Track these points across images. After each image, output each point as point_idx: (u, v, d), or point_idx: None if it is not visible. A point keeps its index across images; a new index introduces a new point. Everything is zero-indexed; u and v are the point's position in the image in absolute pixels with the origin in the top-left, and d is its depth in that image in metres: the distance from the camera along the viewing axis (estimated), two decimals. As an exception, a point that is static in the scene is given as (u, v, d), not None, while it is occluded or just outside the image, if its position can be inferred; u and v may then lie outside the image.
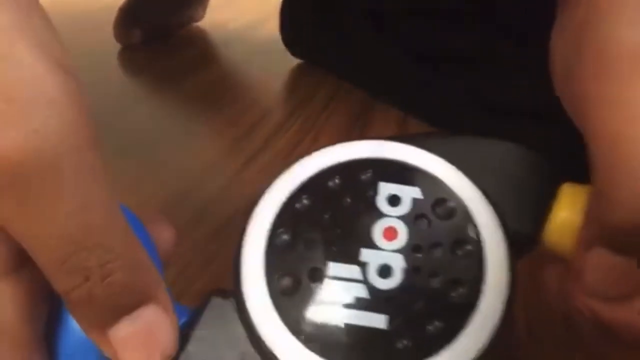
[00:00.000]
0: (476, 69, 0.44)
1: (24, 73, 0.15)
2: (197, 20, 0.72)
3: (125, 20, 0.64)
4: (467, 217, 0.18)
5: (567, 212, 0.18)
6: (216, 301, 0.18)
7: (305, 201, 0.18)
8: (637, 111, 0.16)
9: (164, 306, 0.17)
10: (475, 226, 0.18)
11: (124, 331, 0.16)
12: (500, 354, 0.17)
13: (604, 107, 0.16)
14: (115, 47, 0.64)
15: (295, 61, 0.60)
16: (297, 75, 0.59)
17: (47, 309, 0.17)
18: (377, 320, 0.17)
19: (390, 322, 0.17)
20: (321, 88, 0.54)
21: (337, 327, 0.17)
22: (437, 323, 0.17)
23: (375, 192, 0.18)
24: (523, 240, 0.18)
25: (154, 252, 0.20)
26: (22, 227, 0.15)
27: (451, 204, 0.18)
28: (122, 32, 0.63)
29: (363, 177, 0.18)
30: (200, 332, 0.18)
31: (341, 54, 0.54)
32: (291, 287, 0.17)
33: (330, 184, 0.18)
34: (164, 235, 0.20)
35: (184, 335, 0.17)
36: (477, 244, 0.17)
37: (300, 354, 0.16)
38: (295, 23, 0.59)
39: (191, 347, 0.17)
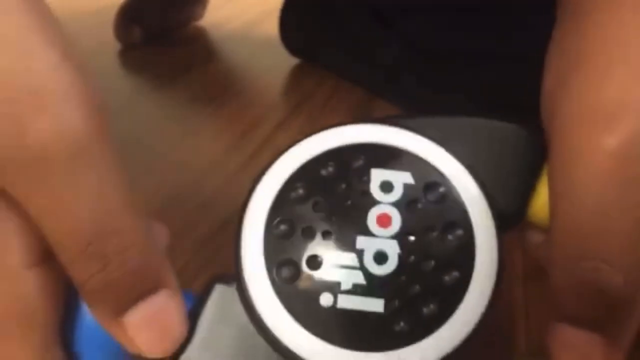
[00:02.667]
0: (481, 66, 0.44)
1: (43, 67, 0.16)
2: (197, 19, 0.72)
3: (125, 19, 0.64)
4: (457, 201, 0.18)
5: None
6: (220, 288, 0.18)
7: (300, 190, 0.18)
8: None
9: (174, 291, 0.18)
10: (465, 210, 0.18)
11: (139, 316, 0.17)
12: (489, 331, 0.18)
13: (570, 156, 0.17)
14: (115, 46, 0.64)
15: (295, 60, 0.60)
16: (297, 74, 0.59)
17: (64, 302, 0.18)
18: (374, 305, 0.17)
19: (387, 305, 0.17)
20: (321, 86, 0.54)
21: (336, 312, 0.17)
22: (431, 305, 0.17)
23: (368, 178, 0.18)
24: (509, 217, 0.19)
25: None
26: (44, 214, 0.16)
27: (441, 187, 0.18)
28: (122, 31, 0.63)
29: (355, 164, 0.19)
30: (205, 318, 0.18)
31: (341, 52, 0.54)
32: (291, 275, 0.18)
33: (324, 172, 0.19)
34: (160, 235, 0.20)
35: (190, 321, 0.18)
36: (468, 227, 0.18)
37: (302, 337, 0.17)
38: (294, 22, 0.59)
39: (197, 333, 0.18)
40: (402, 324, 0.17)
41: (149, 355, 0.17)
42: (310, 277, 0.18)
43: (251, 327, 0.18)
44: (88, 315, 0.18)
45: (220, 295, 0.18)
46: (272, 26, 0.60)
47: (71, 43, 0.17)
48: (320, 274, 0.18)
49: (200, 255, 0.31)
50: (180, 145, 0.44)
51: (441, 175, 0.19)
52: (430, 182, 0.18)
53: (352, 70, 0.54)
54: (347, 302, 0.17)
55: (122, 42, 0.64)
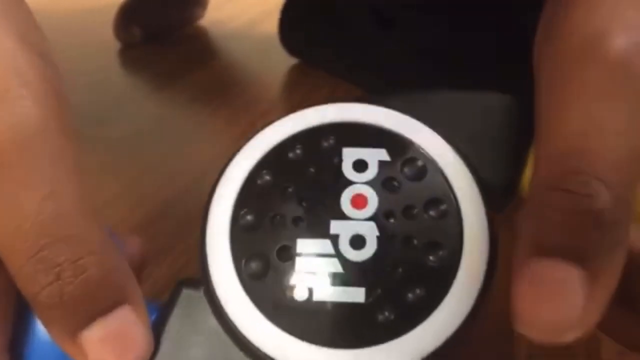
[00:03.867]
0: (481, 66, 0.44)
1: (0, 56, 0.14)
2: (197, 19, 0.72)
3: (125, 19, 0.64)
4: (438, 175, 0.17)
5: None
6: (186, 293, 0.17)
7: (266, 177, 0.17)
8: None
9: (137, 306, 0.16)
10: (448, 184, 0.17)
11: (98, 334, 0.15)
12: (486, 316, 0.16)
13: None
14: (115, 45, 0.64)
15: (295, 60, 0.60)
16: (297, 74, 0.59)
17: (14, 315, 0.17)
18: (354, 294, 0.16)
19: (368, 294, 0.15)
20: (321, 87, 0.54)
21: (313, 307, 0.16)
22: (417, 290, 0.15)
23: (339, 158, 0.17)
24: (501, 192, 0.17)
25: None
26: None
27: (420, 162, 0.17)
28: (122, 30, 0.63)
29: (325, 144, 0.17)
30: (172, 328, 0.16)
31: (340, 53, 0.54)
32: (260, 269, 0.16)
33: (291, 155, 0.17)
34: (131, 246, 0.19)
35: (156, 332, 0.16)
36: (452, 202, 0.16)
37: (278, 338, 0.15)
38: (294, 23, 0.59)
39: (164, 344, 0.16)
40: (386, 313, 0.15)
41: None
42: (282, 270, 0.16)
43: (222, 333, 0.16)
44: (42, 329, 0.16)
45: (187, 301, 0.17)
46: (272, 26, 0.60)
47: (42, 33, 0.16)
48: (293, 266, 0.16)
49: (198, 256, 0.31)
50: (179, 145, 0.44)
51: (419, 149, 0.17)
52: (407, 157, 0.17)
53: (351, 71, 0.54)
54: (324, 294, 0.16)
55: (122, 42, 0.64)
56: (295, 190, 0.17)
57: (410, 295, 0.15)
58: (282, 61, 0.60)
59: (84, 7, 0.75)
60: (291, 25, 0.59)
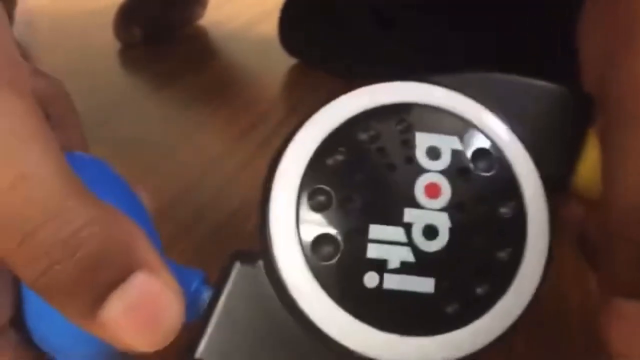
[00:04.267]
0: (481, 66, 0.44)
1: None
2: (197, 19, 0.72)
3: (125, 19, 0.64)
4: (507, 169, 0.17)
5: (597, 154, 0.17)
6: (241, 267, 0.16)
7: (337, 156, 0.16)
8: None
9: (157, 271, 0.14)
10: (515, 179, 0.17)
11: (116, 308, 0.14)
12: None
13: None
14: (115, 45, 0.64)
15: (294, 59, 0.60)
16: (296, 74, 0.59)
17: (14, 289, 0.16)
18: (424, 285, 0.16)
19: (437, 285, 0.16)
20: (321, 86, 0.54)
21: (382, 294, 0.15)
22: (485, 284, 0.16)
23: (412, 143, 0.16)
24: (555, 184, 0.17)
25: (142, 214, 0.18)
26: None
27: (491, 154, 0.17)
28: (121, 30, 0.63)
29: (399, 127, 0.17)
30: (225, 304, 0.16)
31: (340, 53, 0.54)
32: (330, 252, 0.16)
33: (364, 135, 0.16)
34: (145, 197, 0.19)
35: (207, 308, 0.16)
36: (519, 198, 0.16)
37: (344, 322, 0.15)
38: (293, 23, 0.59)
39: (216, 323, 0.16)
40: (454, 305, 0.16)
41: (143, 350, 0.14)
42: (352, 254, 0.15)
43: (280, 313, 0.16)
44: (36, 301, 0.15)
45: (242, 276, 0.16)
46: (271, 26, 0.60)
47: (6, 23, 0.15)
48: (365, 251, 0.16)
49: (200, 255, 0.31)
50: (179, 145, 0.44)
51: (489, 140, 0.17)
52: (479, 148, 0.17)
53: (351, 71, 0.54)
54: (394, 282, 0.15)
55: (122, 42, 0.64)
56: (369, 174, 0.16)
57: (478, 289, 0.16)
58: (282, 61, 0.60)
59: (84, 8, 0.75)
60: (291, 25, 0.59)
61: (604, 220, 0.17)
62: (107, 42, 0.63)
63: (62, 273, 0.13)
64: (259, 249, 0.16)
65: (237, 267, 0.16)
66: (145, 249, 0.15)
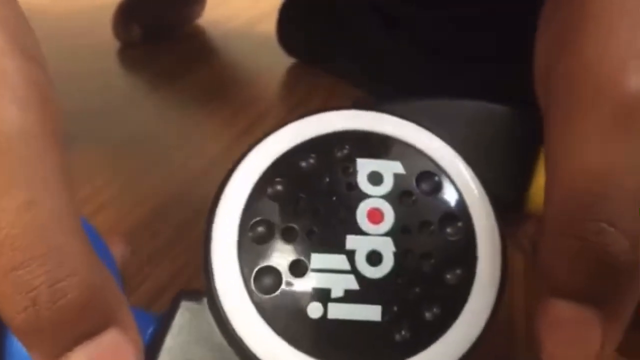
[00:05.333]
0: (480, 66, 0.44)
1: None
2: (196, 18, 0.72)
3: (124, 18, 0.63)
4: (452, 190, 0.16)
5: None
6: (187, 305, 0.16)
7: (278, 186, 0.16)
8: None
9: (127, 326, 0.15)
10: (462, 199, 0.16)
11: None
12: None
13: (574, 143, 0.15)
14: (114, 44, 0.64)
15: (294, 59, 0.60)
16: (296, 73, 0.59)
17: None
18: (370, 313, 0.15)
19: (384, 313, 0.15)
20: (319, 86, 0.54)
21: (326, 325, 0.15)
22: (434, 309, 0.15)
23: (354, 170, 0.16)
24: (508, 205, 0.17)
25: (112, 265, 0.18)
26: None
27: (435, 176, 0.17)
28: (121, 29, 0.63)
29: (339, 154, 0.17)
30: (171, 342, 0.16)
31: (339, 52, 0.54)
32: (272, 284, 0.15)
33: (304, 164, 0.16)
34: (119, 247, 0.18)
35: (154, 345, 0.16)
36: (467, 218, 0.16)
37: (289, 356, 0.15)
38: (293, 23, 0.59)
39: (163, 358, 0.16)
40: (403, 332, 0.15)
41: None
42: (295, 286, 0.15)
43: (226, 350, 0.15)
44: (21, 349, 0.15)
45: (188, 315, 0.16)
46: (271, 26, 0.60)
47: (34, 35, 0.15)
48: (307, 282, 0.15)
49: (199, 255, 0.31)
50: (179, 144, 0.44)
51: (433, 163, 0.17)
52: (422, 171, 0.17)
53: (350, 71, 0.54)
54: (339, 312, 0.15)
55: (121, 41, 0.64)
56: (309, 202, 0.16)
57: (427, 314, 0.15)
58: (281, 61, 0.60)
59: (83, 7, 0.75)
60: (290, 25, 0.59)
61: (547, 220, 0.16)
62: (106, 40, 0.63)
63: (39, 316, 0.13)
64: (204, 289, 0.16)
65: (183, 304, 0.16)
66: (121, 305, 0.15)
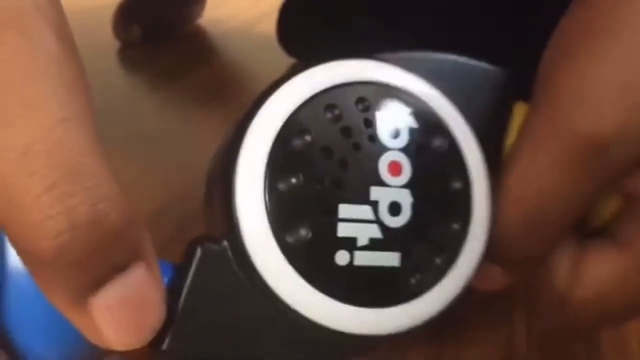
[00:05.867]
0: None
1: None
2: (196, 18, 0.72)
3: (124, 18, 0.63)
4: (456, 146, 0.18)
5: (516, 134, 0.18)
6: (204, 250, 0.15)
7: (305, 136, 0.16)
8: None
9: (152, 265, 0.14)
10: (463, 156, 0.18)
11: (111, 297, 0.12)
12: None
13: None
14: (114, 44, 0.64)
15: (294, 59, 0.60)
16: (296, 73, 0.59)
17: None
18: (391, 259, 0.16)
19: (402, 258, 0.16)
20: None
21: (354, 271, 0.16)
22: (442, 254, 0.17)
23: (374, 122, 0.17)
24: (488, 160, 0.18)
25: None
26: None
27: (442, 132, 0.17)
28: (121, 29, 0.63)
29: (359, 105, 0.17)
30: (191, 287, 0.15)
31: (340, 52, 0.54)
32: (301, 232, 0.16)
33: (329, 114, 0.16)
34: None
35: (172, 294, 0.15)
36: (467, 173, 0.17)
37: (318, 301, 0.16)
38: (292, 23, 0.58)
39: (182, 313, 0.15)
40: (418, 276, 0.17)
41: (118, 348, 0.13)
42: (323, 234, 0.16)
43: (250, 294, 0.15)
44: (23, 283, 0.14)
45: (206, 259, 0.15)
46: (271, 25, 0.60)
47: (67, 24, 0.14)
48: (334, 230, 0.16)
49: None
50: (179, 144, 0.44)
51: (440, 118, 0.18)
52: (432, 125, 0.17)
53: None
54: (364, 259, 0.16)
55: (121, 41, 0.64)
56: (336, 153, 0.16)
57: (437, 260, 0.17)
58: (281, 60, 0.60)
59: (83, 6, 0.75)
60: (290, 25, 0.59)
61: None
62: (106, 40, 0.63)
63: (78, 243, 0.11)
64: (222, 230, 0.16)
65: (200, 250, 0.15)
66: (146, 238, 0.14)
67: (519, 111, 0.19)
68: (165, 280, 0.15)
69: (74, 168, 0.12)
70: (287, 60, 0.60)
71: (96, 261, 0.12)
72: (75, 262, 0.12)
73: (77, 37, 0.14)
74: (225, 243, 0.16)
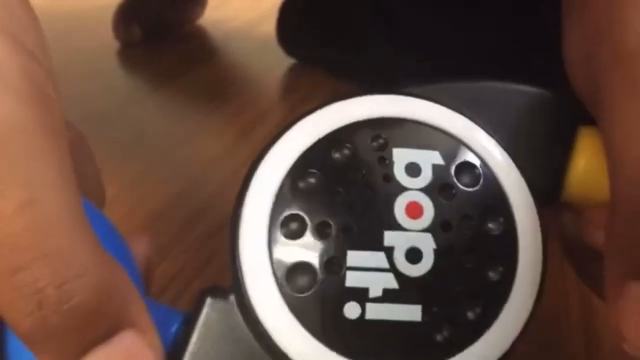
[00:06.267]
0: (483, 64, 0.44)
1: None
2: (196, 18, 0.72)
3: (124, 18, 0.63)
4: (493, 183, 0.16)
5: (586, 160, 0.16)
6: (213, 303, 0.15)
7: (310, 178, 0.15)
8: None
9: (144, 330, 0.14)
10: (503, 192, 0.16)
11: None
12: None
13: (622, 101, 0.15)
14: (114, 45, 0.64)
15: (294, 59, 0.60)
16: (296, 74, 0.59)
17: None
18: (410, 313, 0.14)
19: (425, 312, 0.15)
20: (320, 86, 0.54)
21: (365, 325, 0.14)
22: (476, 307, 0.15)
23: (390, 160, 0.15)
24: (545, 195, 0.16)
25: (130, 265, 0.17)
26: None
27: (475, 167, 0.16)
28: (121, 30, 0.63)
29: (374, 143, 0.15)
30: (197, 342, 0.15)
31: (340, 52, 0.54)
32: (306, 282, 0.14)
33: (337, 155, 0.15)
34: (143, 247, 0.18)
35: (178, 346, 0.15)
36: (508, 212, 0.15)
37: (324, 358, 0.14)
38: (292, 23, 0.59)
39: (189, 357, 0.15)
40: (444, 332, 0.15)
41: None
42: (331, 284, 0.14)
43: (256, 350, 0.15)
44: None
45: (214, 313, 0.15)
46: (271, 26, 0.60)
47: (32, 27, 0.14)
48: (343, 280, 0.14)
49: (200, 255, 0.31)
50: (179, 144, 0.44)
51: (472, 153, 0.16)
52: (462, 161, 0.16)
53: (350, 71, 0.54)
54: (377, 312, 0.14)
55: (121, 41, 0.64)
56: (345, 195, 0.15)
57: (469, 313, 0.15)
58: (282, 61, 0.60)
59: (83, 7, 0.75)
60: (290, 25, 0.59)
61: (610, 202, 0.15)
62: (106, 41, 0.63)
63: (46, 321, 0.12)
64: (230, 283, 0.15)
65: (209, 302, 0.15)
66: (136, 306, 0.14)
67: (586, 135, 0.17)
68: (174, 328, 0.15)
69: (40, 251, 0.12)
70: (287, 61, 0.60)
71: (71, 336, 0.13)
72: (50, 338, 0.12)
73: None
74: (232, 297, 0.15)
